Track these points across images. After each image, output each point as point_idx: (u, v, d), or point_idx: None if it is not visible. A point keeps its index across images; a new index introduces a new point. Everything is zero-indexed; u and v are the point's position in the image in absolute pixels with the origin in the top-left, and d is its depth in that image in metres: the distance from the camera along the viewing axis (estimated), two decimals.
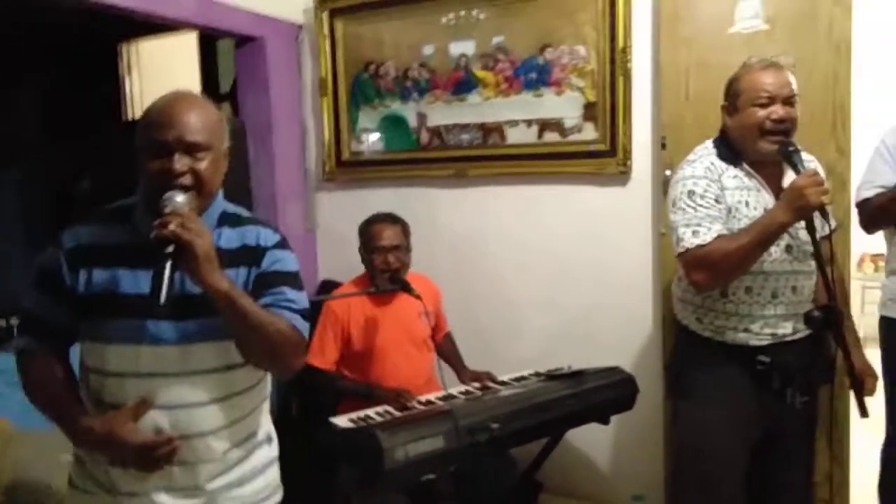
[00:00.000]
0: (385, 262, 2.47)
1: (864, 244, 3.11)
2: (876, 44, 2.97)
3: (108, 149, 3.03)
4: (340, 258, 3.25)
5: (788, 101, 1.87)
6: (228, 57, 3.94)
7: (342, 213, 3.31)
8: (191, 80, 3.90)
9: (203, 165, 1.34)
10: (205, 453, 1.37)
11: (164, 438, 1.31)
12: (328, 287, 3.19)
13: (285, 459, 2.52)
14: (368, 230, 2.55)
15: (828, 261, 1.79)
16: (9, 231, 4.11)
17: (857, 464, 2.49)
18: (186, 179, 1.32)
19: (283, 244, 1.44)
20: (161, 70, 3.99)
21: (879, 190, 2.25)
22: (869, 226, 2.34)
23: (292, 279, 1.42)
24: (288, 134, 3.33)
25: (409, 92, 3.15)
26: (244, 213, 1.48)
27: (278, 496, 1.55)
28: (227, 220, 1.43)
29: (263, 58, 3.22)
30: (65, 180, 4.14)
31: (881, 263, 2.34)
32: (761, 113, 1.87)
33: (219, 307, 1.28)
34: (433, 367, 2.64)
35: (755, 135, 1.88)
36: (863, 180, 2.30)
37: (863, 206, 2.30)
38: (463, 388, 2.45)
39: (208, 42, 3.81)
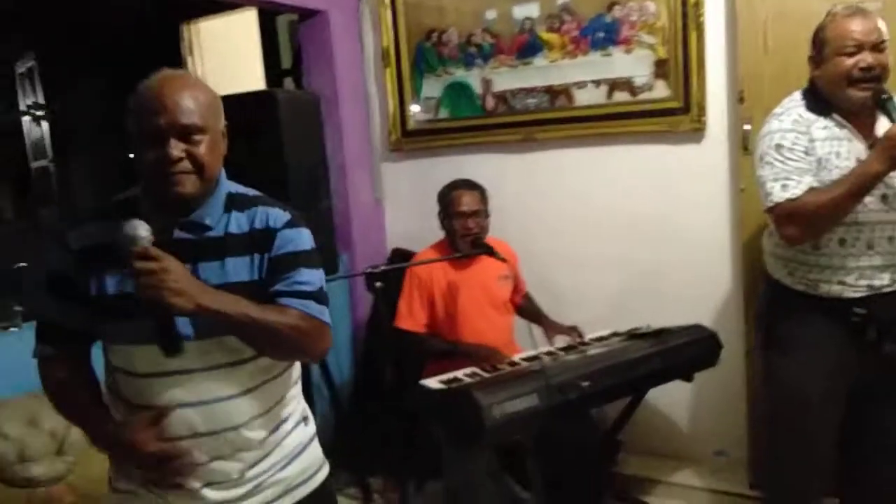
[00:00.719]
0: (465, 227, 2.51)
1: None
2: None
3: None
4: (409, 226, 3.30)
5: (877, 47, 1.82)
6: (287, 33, 3.99)
7: (410, 181, 3.35)
8: (252, 58, 3.96)
9: (201, 149, 1.26)
10: (241, 444, 1.34)
11: (180, 451, 1.26)
12: (399, 255, 3.24)
13: (373, 422, 2.61)
14: (448, 196, 2.59)
15: None
16: (84, 210, 4.25)
17: None
18: (185, 165, 1.24)
19: (293, 223, 1.36)
20: (222, 49, 4.05)
21: None
22: None
23: (305, 258, 1.35)
24: (353, 106, 3.36)
25: (473, 58, 3.15)
26: (251, 192, 1.40)
27: (324, 471, 1.51)
28: (234, 202, 1.35)
29: (327, 31, 3.25)
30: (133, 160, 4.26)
31: None
32: (849, 62, 1.83)
33: (221, 325, 1.25)
34: (513, 329, 2.68)
35: (843, 84, 1.85)
36: None
37: None
38: (547, 348, 2.48)
39: (267, 19, 3.86)
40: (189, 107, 1.25)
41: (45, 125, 4.46)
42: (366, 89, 3.42)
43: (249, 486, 1.36)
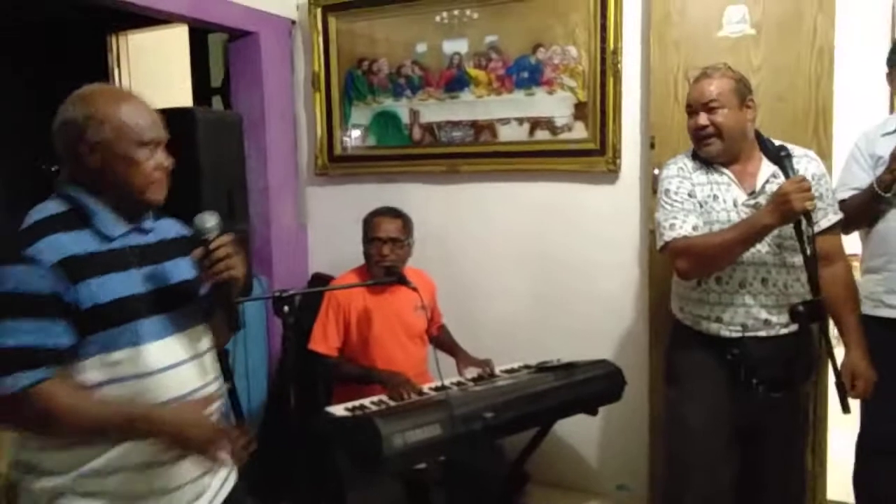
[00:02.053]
0: (380, 252, 2.52)
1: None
2: (857, 47, 3.06)
3: None
4: (332, 252, 3.29)
5: (707, 107, 1.98)
6: (219, 51, 3.95)
7: (334, 207, 3.35)
8: (181, 74, 3.90)
9: (169, 158, 1.40)
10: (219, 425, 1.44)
11: (231, 429, 1.38)
12: (319, 280, 3.23)
13: (280, 448, 2.53)
14: (369, 221, 2.60)
15: (829, 257, 1.98)
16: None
17: (834, 457, 2.58)
18: (167, 174, 1.40)
19: None
20: (152, 63, 3.99)
21: (854, 192, 2.30)
22: (846, 226, 2.42)
23: None
24: (280, 129, 3.35)
25: (402, 89, 3.19)
26: None
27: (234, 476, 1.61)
28: (152, 211, 1.46)
29: (257, 52, 3.25)
30: (52, 171, 4.12)
31: (856, 263, 2.42)
32: (689, 122, 2.04)
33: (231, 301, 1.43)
34: (426, 361, 2.69)
35: (694, 141, 2.05)
36: (839, 182, 2.36)
37: (840, 207, 2.37)
38: (456, 379, 2.50)
39: (199, 36, 3.82)
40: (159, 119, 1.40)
41: None
42: (294, 113, 3.42)
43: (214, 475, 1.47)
